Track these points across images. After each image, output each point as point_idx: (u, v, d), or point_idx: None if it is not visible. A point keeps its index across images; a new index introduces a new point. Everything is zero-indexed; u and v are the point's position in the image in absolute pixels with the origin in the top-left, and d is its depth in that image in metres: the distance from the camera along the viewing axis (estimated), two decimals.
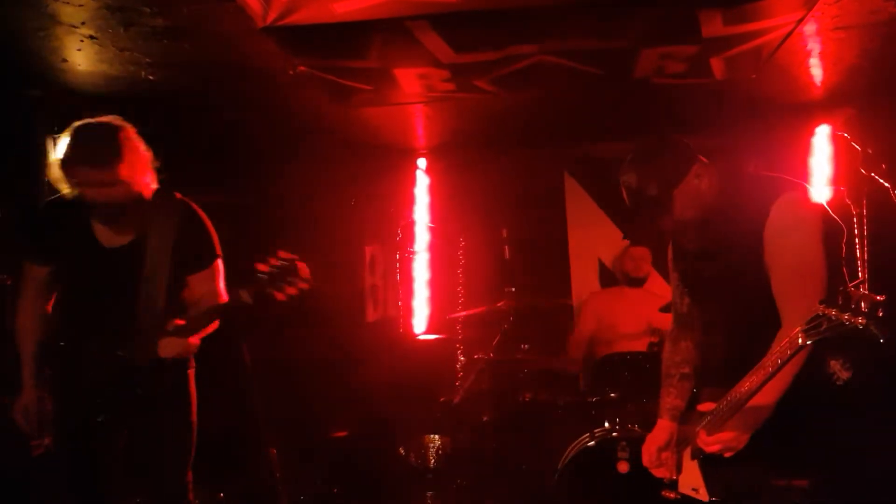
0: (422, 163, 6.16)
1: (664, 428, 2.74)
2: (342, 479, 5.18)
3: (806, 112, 5.23)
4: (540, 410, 4.67)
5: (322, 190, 5.85)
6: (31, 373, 2.95)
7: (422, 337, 6.02)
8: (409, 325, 6.08)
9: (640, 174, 2.47)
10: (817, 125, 5.36)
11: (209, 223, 3.01)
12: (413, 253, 6.11)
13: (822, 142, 5.36)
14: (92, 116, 4.42)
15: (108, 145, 2.74)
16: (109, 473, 2.98)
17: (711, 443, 2.41)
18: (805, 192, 2.44)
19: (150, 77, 4.19)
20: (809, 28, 3.81)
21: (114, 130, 2.79)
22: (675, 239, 2.73)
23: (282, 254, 2.65)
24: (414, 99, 4.69)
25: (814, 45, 4.08)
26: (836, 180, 5.26)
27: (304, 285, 2.67)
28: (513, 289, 4.78)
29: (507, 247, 5.15)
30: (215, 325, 2.93)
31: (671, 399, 2.77)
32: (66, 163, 2.75)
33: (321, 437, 5.33)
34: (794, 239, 2.37)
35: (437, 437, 5.04)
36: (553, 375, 5.01)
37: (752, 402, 2.29)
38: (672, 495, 2.68)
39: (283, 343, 5.52)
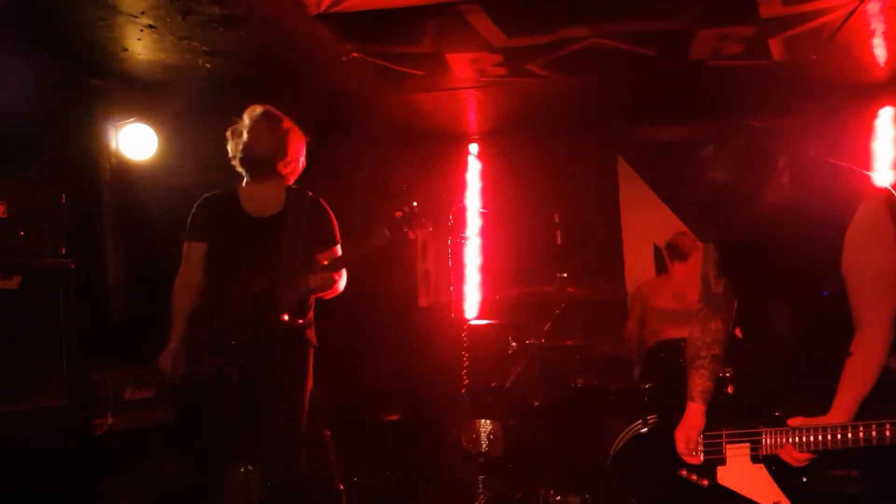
0: (474, 148, 6.15)
1: (699, 412, 2.67)
2: (395, 462, 5.24)
3: (869, 93, 5.09)
4: (591, 396, 4.65)
5: (374, 175, 5.89)
6: (180, 332, 3.31)
7: (473, 322, 6.03)
8: (461, 311, 6.09)
9: (729, 172, 2.30)
10: (881, 107, 5.21)
11: (332, 215, 3.54)
12: (465, 238, 6.12)
13: (885, 124, 5.21)
14: (150, 105, 4.58)
15: (280, 119, 3.43)
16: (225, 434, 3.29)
17: (803, 460, 2.35)
18: (890, 195, 2.34)
19: (207, 65, 4.26)
20: (873, 6, 3.70)
21: (284, 117, 3.46)
22: (749, 234, 2.54)
23: (413, 201, 3.32)
24: (466, 84, 4.69)
25: (878, 25, 3.96)
26: None
27: (430, 226, 3.36)
28: (565, 274, 4.75)
29: (559, 232, 5.13)
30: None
31: (703, 381, 2.69)
32: (249, 120, 3.41)
33: (374, 420, 5.39)
34: (879, 247, 2.29)
35: (488, 421, 5.05)
36: (605, 361, 4.98)
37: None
38: (706, 482, 2.63)
39: (338, 328, 5.59)
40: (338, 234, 3.52)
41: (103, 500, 3.83)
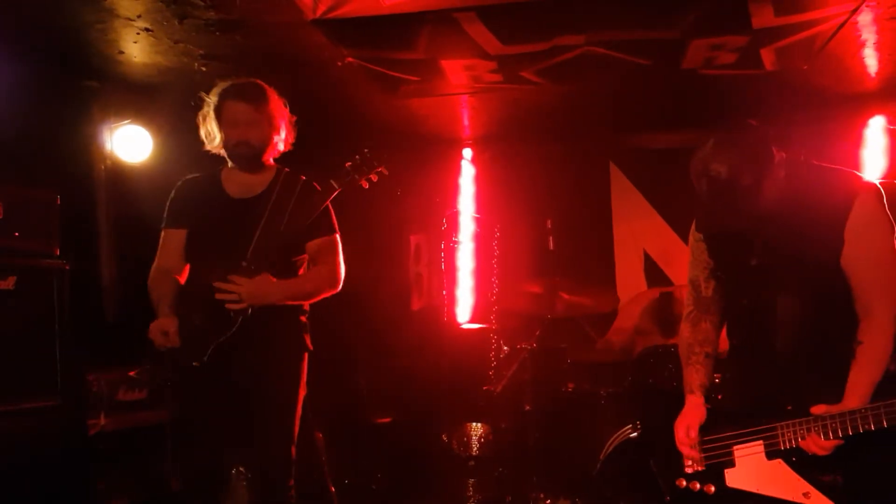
0: (467, 153, 6.18)
1: (699, 404, 2.68)
2: (385, 465, 5.25)
3: (859, 103, 5.14)
4: (582, 400, 4.67)
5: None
6: (168, 308, 3.05)
7: (465, 326, 6.06)
8: (453, 314, 6.12)
9: (731, 163, 2.36)
10: (871, 117, 5.25)
11: (330, 206, 3.26)
12: (458, 242, 6.14)
13: (875, 133, 5.26)
14: (145, 107, 4.56)
15: (259, 90, 3.16)
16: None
17: (829, 448, 2.38)
18: (880, 189, 2.43)
19: (203, 68, 4.27)
20: (864, 18, 3.74)
21: (262, 85, 3.20)
22: (745, 231, 2.58)
23: (363, 150, 3.14)
24: (461, 90, 4.72)
25: (869, 35, 4.00)
26: (888, 174, 5.17)
27: (383, 171, 3.18)
28: (556, 279, 4.78)
29: (551, 237, 5.16)
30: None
31: (700, 376, 2.71)
32: (220, 101, 3.13)
33: (366, 422, 5.41)
34: (880, 238, 2.38)
35: (479, 425, 5.07)
36: (596, 366, 5.01)
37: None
38: (712, 488, 2.61)
39: (329, 330, 5.59)
40: (335, 224, 3.28)
41: (97, 500, 3.84)
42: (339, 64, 4.15)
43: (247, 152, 3.13)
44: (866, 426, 2.30)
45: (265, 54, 4.13)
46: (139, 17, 3.66)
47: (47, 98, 4.25)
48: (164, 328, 2.97)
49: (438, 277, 6.20)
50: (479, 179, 6.21)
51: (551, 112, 5.36)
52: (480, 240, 6.18)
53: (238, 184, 3.20)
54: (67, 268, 3.74)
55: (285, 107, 3.25)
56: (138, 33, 3.84)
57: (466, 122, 5.64)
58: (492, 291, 5.92)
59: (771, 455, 2.53)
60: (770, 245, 2.53)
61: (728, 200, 2.42)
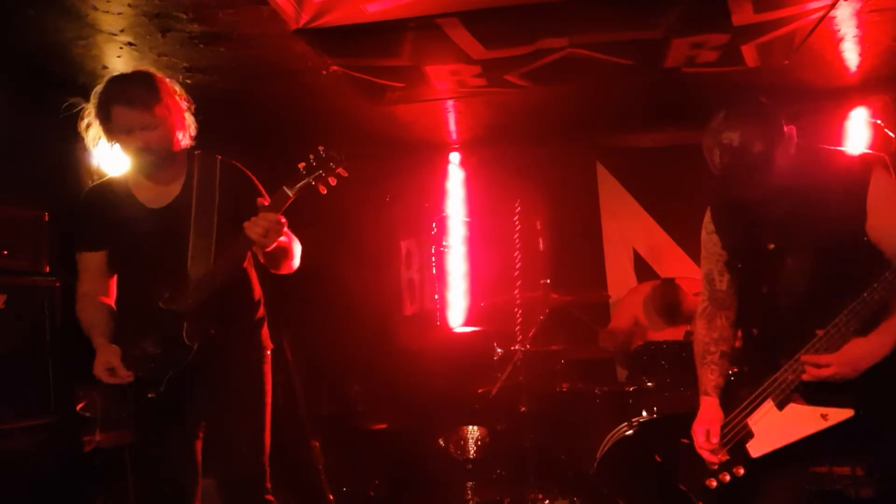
0: (455, 157, 6.19)
1: (714, 405, 2.68)
2: (383, 471, 5.26)
3: (841, 97, 5.17)
4: (577, 400, 4.69)
5: (357, 186, 5.90)
6: (101, 337, 2.78)
7: (458, 329, 6.07)
8: (446, 318, 6.13)
9: (743, 132, 2.41)
10: (852, 109, 5.30)
11: (255, 180, 3.01)
12: (448, 246, 6.16)
13: (857, 126, 5.30)
14: None
15: (147, 87, 2.80)
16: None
17: (825, 363, 2.39)
18: (888, 160, 2.50)
19: (188, 81, 4.26)
20: (844, 12, 3.77)
21: (150, 76, 2.86)
22: (758, 207, 2.59)
23: (321, 147, 2.70)
24: (446, 95, 4.73)
25: (848, 29, 4.03)
26: None
27: (342, 172, 2.70)
28: (548, 280, 4.80)
29: (541, 238, 5.18)
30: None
31: (715, 377, 2.72)
32: (104, 107, 2.78)
33: (362, 429, 5.41)
34: None
35: (475, 428, 5.08)
36: (589, 365, 5.03)
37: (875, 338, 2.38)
38: (741, 469, 2.60)
39: (323, 337, 5.61)
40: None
41: None
42: (324, 73, 4.15)
43: (152, 159, 2.81)
44: (853, 324, 2.37)
45: (249, 65, 4.12)
46: (122, 31, 3.65)
47: (33, 115, 4.23)
48: (110, 363, 2.70)
49: (430, 282, 6.21)
50: (467, 183, 6.22)
51: (537, 114, 5.38)
52: (471, 243, 6.20)
53: (150, 190, 2.90)
54: (57, 284, 3.73)
55: (180, 93, 2.91)
56: (121, 48, 3.84)
57: (453, 126, 5.65)
58: (484, 294, 5.94)
59: (782, 404, 2.53)
60: (786, 227, 2.54)
61: (741, 169, 2.44)
